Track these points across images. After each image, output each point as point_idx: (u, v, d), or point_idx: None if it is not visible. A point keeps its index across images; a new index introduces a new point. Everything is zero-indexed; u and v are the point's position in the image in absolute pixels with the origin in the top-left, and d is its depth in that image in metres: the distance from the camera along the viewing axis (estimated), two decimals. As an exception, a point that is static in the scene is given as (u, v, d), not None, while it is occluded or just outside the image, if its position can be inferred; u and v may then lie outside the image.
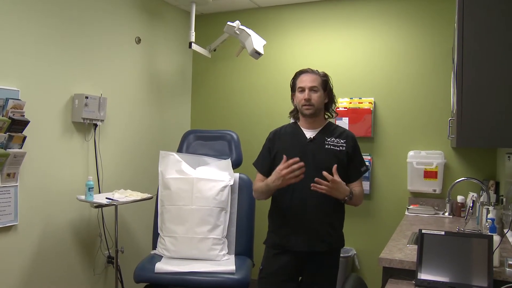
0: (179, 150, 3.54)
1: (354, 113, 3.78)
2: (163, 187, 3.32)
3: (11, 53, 2.68)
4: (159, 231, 3.26)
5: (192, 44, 3.82)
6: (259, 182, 2.43)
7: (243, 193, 3.35)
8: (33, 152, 2.80)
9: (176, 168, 3.32)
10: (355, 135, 2.50)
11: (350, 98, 3.88)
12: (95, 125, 3.30)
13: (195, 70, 4.56)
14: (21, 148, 2.66)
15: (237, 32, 3.65)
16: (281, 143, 2.47)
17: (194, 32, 3.83)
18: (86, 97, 3.11)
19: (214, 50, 4.12)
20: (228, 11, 4.38)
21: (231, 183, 3.32)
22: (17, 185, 2.70)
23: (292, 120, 2.57)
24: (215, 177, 3.30)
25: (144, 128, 3.88)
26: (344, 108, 3.82)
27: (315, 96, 2.38)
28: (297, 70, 2.49)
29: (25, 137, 2.66)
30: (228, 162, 3.42)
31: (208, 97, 4.49)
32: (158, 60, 4.05)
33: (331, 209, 2.36)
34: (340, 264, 3.59)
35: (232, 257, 3.18)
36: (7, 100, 2.57)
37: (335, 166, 2.24)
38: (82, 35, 3.19)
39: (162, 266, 2.94)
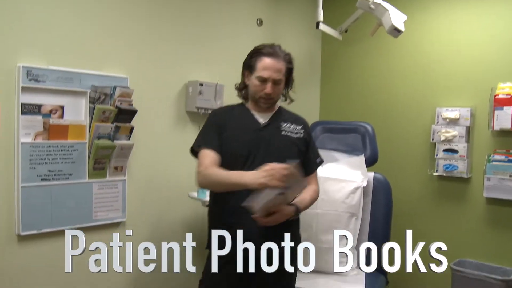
0: (304, 144, 3.19)
1: (519, 101, 3.01)
2: (283, 186, 3.00)
3: (119, 38, 2.55)
4: (277, 237, 2.95)
5: (320, 24, 3.43)
6: (214, 166, 1.96)
7: (378, 196, 2.96)
8: (141, 144, 2.66)
9: (300, 165, 2.99)
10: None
11: (515, 83, 3.11)
12: (211, 115, 3.08)
13: (324, 54, 4.14)
14: (128, 139, 2.54)
15: (372, 6, 3.18)
16: (232, 126, 2.09)
17: (322, 11, 3.42)
18: (201, 84, 2.89)
19: (346, 31, 3.67)
20: (361, -15, 3.86)
21: (364, 184, 2.93)
22: (125, 179, 2.58)
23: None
24: (346, 176, 2.94)
25: (266, 119, 3.60)
26: (507, 95, 3.05)
27: (277, 90, 2.10)
28: (263, 46, 2.16)
29: (132, 128, 2.53)
30: (361, 159, 3.02)
31: (339, 84, 4.04)
32: (282, 44, 3.62)
33: None
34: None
35: (363, 273, 2.74)
36: (114, 88, 2.45)
37: None
38: (198, 16, 2.99)
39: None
